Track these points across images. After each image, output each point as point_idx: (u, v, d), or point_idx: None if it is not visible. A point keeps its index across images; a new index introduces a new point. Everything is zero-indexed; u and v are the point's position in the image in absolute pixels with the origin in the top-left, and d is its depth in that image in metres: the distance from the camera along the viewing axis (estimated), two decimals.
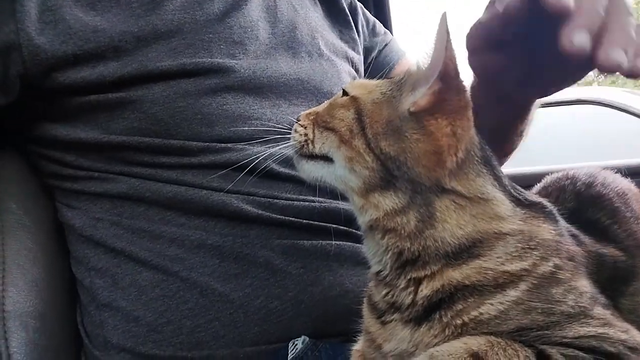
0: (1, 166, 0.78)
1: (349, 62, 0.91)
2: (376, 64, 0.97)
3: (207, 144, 0.70)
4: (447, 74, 0.45)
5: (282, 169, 0.71)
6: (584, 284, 0.47)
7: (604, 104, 2.66)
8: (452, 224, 0.46)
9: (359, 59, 0.95)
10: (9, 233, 0.72)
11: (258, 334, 0.66)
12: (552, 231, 0.48)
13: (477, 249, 0.46)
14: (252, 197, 0.70)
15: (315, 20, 0.91)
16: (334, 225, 0.71)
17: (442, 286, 0.46)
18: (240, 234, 0.68)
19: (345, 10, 0.98)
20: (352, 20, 0.97)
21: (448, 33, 0.45)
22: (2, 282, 0.67)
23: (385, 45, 1.02)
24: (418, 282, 0.47)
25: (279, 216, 0.69)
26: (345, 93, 0.54)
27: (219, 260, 0.67)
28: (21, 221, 0.74)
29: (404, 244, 0.47)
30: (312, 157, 0.53)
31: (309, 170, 0.54)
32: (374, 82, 0.54)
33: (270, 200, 0.70)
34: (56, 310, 0.74)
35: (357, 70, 0.93)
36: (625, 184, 0.64)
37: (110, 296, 0.70)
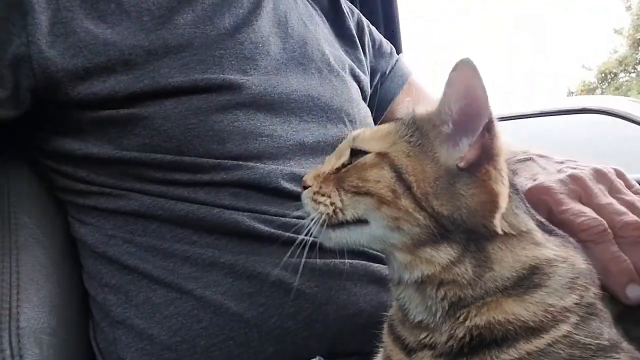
0: (15, 180, 0.78)
1: (356, 81, 0.92)
2: (383, 89, 0.97)
3: (219, 161, 0.70)
4: (491, 123, 0.45)
5: (293, 187, 0.71)
6: (608, 314, 0.47)
7: (609, 112, 2.66)
8: (509, 261, 0.46)
9: (365, 79, 0.95)
10: (23, 248, 0.72)
11: (272, 353, 0.65)
12: (584, 261, 0.48)
13: (535, 278, 0.45)
14: (263, 216, 0.69)
15: (324, 36, 0.91)
16: None
17: (505, 321, 0.44)
18: (253, 252, 0.68)
19: (352, 30, 0.99)
20: (358, 40, 0.97)
21: (481, 79, 0.44)
22: (17, 299, 0.67)
23: (392, 68, 1.02)
24: (464, 317, 0.46)
25: (291, 234, 0.69)
26: (358, 151, 0.51)
27: (232, 279, 0.67)
28: (35, 236, 0.74)
29: (464, 292, 0.46)
30: (342, 224, 0.50)
31: (338, 238, 0.50)
32: (382, 129, 0.52)
33: (282, 218, 0.70)
34: (69, 326, 0.73)
35: (363, 90, 0.94)
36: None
37: (123, 313, 0.69)
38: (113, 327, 0.70)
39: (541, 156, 0.67)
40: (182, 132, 0.70)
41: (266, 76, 0.77)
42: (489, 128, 0.46)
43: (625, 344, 0.45)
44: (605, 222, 0.54)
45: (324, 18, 0.97)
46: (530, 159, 0.67)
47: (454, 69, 0.46)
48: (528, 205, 0.51)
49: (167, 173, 0.71)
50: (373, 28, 1.07)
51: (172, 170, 0.70)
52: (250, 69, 0.76)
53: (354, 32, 0.99)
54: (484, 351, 0.44)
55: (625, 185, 0.60)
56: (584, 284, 0.46)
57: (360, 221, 0.49)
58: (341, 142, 0.57)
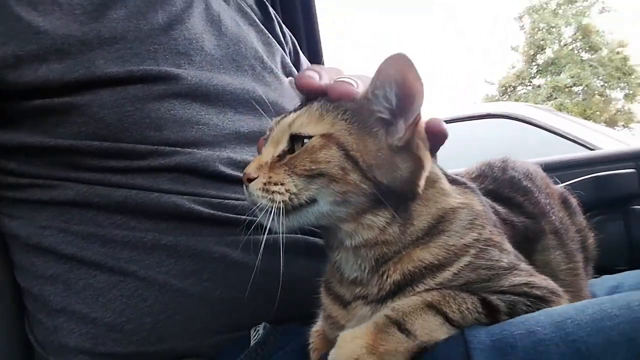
0: None
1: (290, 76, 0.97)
2: None
3: (156, 147, 0.72)
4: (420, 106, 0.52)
5: (230, 171, 0.74)
6: (508, 245, 0.55)
7: (510, 117, 2.94)
8: (424, 214, 0.53)
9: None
10: None
11: (220, 323, 0.68)
12: (480, 203, 0.56)
13: (441, 225, 0.53)
14: (203, 198, 0.72)
15: (257, 36, 0.96)
16: None
17: (413, 268, 0.52)
18: (194, 233, 0.70)
19: (280, 37, 1.05)
20: (281, 49, 1.03)
21: (416, 69, 0.50)
22: None
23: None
24: (386, 270, 0.53)
25: (230, 215, 0.72)
26: (298, 137, 0.53)
27: (174, 259, 0.69)
28: None
29: (388, 248, 0.52)
30: (295, 208, 0.52)
31: (290, 222, 0.53)
32: (313, 113, 0.54)
33: (221, 200, 0.73)
34: (2, 322, 0.71)
35: None
36: (531, 165, 0.76)
37: (63, 301, 0.69)
38: (52, 316, 0.69)
39: None
40: (119, 120, 0.71)
41: (201, 70, 0.80)
42: (419, 107, 0.52)
43: (523, 264, 0.54)
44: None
45: (258, 22, 1.02)
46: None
47: (388, 61, 0.50)
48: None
49: (103, 160, 0.71)
50: (295, 41, 1.14)
51: (109, 157, 0.71)
52: (185, 63, 0.78)
53: (281, 38, 1.06)
54: (401, 292, 0.52)
55: None
56: (481, 223, 0.54)
57: (311, 201, 0.52)
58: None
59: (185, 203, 0.70)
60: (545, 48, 18.16)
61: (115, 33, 0.74)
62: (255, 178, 0.53)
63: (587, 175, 1.16)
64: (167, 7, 0.82)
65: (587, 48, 17.55)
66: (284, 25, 1.11)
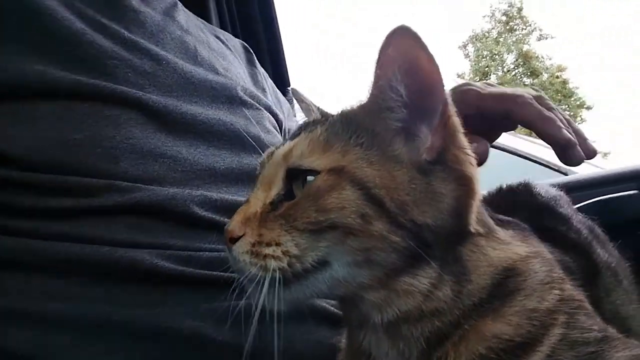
0: None
1: (271, 114, 0.83)
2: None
3: (111, 181, 0.56)
4: (447, 103, 0.38)
5: (205, 213, 0.59)
6: (587, 303, 0.42)
7: None
8: (484, 266, 0.38)
9: (280, 116, 0.87)
10: None
11: None
12: (544, 248, 0.43)
13: (510, 282, 0.38)
14: (169, 251, 0.55)
15: (237, 71, 0.83)
16: None
17: (487, 349, 0.36)
18: (157, 301, 0.54)
19: (262, 77, 0.92)
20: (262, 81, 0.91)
21: (426, 48, 0.36)
22: None
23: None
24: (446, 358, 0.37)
25: (204, 271, 0.56)
26: (299, 173, 0.39)
27: (131, 342, 0.51)
28: None
29: (442, 320, 0.37)
30: (299, 276, 0.38)
31: (294, 295, 0.39)
32: (316, 139, 0.40)
33: (192, 253, 0.57)
34: None
35: (279, 125, 0.85)
36: (552, 189, 0.64)
37: None
38: None
39: None
40: (64, 145, 0.55)
41: (168, 96, 0.65)
42: (445, 105, 0.38)
43: (609, 329, 0.40)
44: None
45: (238, 57, 0.89)
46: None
47: (389, 41, 0.36)
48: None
49: (41, 199, 0.54)
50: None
51: (48, 195, 0.54)
52: (150, 85, 0.64)
53: (264, 80, 0.93)
54: None
55: None
56: (560, 276, 0.40)
57: (321, 265, 0.37)
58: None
59: (145, 258, 0.53)
60: (489, 74, 18.92)
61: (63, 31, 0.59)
62: (241, 237, 0.38)
63: (587, 198, 1.06)
64: (135, 27, 0.68)
65: (529, 73, 18.44)
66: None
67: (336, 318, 0.58)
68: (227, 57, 0.85)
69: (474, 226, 0.38)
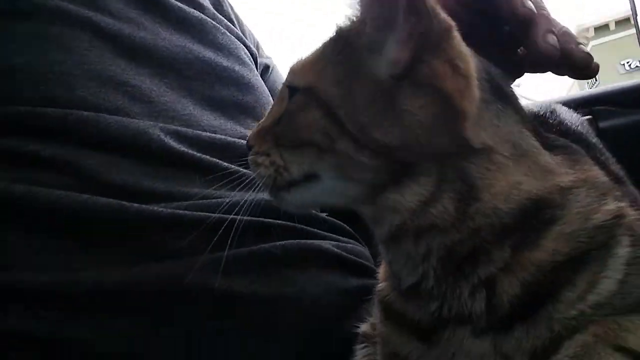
0: None
1: (247, 49, 0.74)
2: (268, 83, 0.80)
3: (67, 110, 0.48)
4: (410, 1, 0.33)
5: (185, 149, 0.52)
6: None
7: None
8: (502, 186, 0.35)
9: (254, 52, 0.78)
10: None
11: None
12: (601, 174, 0.40)
13: (546, 213, 0.35)
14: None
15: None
16: (276, 221, 0.52)
17: (533, 277, 0.34)
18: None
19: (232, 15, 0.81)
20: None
21: None
22: None
23: (273, 67, 0.86)
24: (491, 281, 0.35)
25: (200, 213, 0.49)
26: (292, 89, 0.40)
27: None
28: None
29: (451, 237, 0.35)
30: (293, 184, 0.39)
31: (296, 199, 0.40)
32: (317, 51, 0.41)
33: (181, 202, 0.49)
34: None
35: (255, 63, 0.76)
36: (574, 114, 0.61)
37: None
38: None
39: None
40: (5, 69, 0.47)
41: (125, 19, 0.57)
42: (415, 8, 0.33)
43: None
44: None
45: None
46: None
47: None
48: (525, 112, 0.41)
49: None
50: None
51: None
52: (101, 5, 0.55)
53: (234, 19, 0.82)
54: (534, 312, 0.34)
55: None
56: (618, 198, 0.37)
57: (311, 176, 0.38)
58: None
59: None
60: None
61: None
62: (252, 147, 0.42)
63: None
64: None
65: None
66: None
67: (343, 260, 0.54)
68: None
69: (477, 142, 0.34)
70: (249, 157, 0.42)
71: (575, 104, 1.20)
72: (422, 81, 0.34)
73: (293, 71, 0.41)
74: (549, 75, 0.51)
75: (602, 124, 1.13)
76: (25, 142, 0.46)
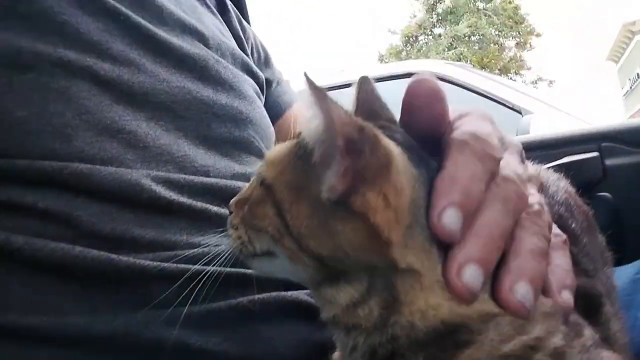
0: None
1: (252, 78, 0.72)
2: (271, 100, 0.79)
3: (66, 163, 0.49)
4: (349, 141, 0.34)
5: (175, 197, 0.52)
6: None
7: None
8: (420, 306, 0.36)
9: (261, 77, 0.76)
10: None
11: None
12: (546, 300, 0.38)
13: (461, 336, 0.35)
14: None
15: (213, 24, 0.71)
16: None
17: None
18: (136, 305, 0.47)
19: (239, 29, 0.79)
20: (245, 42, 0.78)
21: (324, 95, 0.35)
22: None
23: (279, 82, 0.83)
24: None
25: (183, 265, 0.48)
26: (261, 179, 0.42)
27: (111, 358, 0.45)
28: None
29: (373, 339, 0.37)
30: (256, 255, 0.43)
31: (259, 266, 0.45)
32: (284, 149, 0.42)
33: (169, 252, 0.50)
34: None
35: (260, 90, 0.75)
36: (566, 185, 0.58)
37: None
38: None
39: None
40: (6, 124, 0.48)
41: (125, 63, 0.56)
42: (348, 147, 0.35)
43: None
44: None
45: (213, 10, 0.76)
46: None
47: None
48: None
49: None
50: (259, 39, 0.88)
51: None
52: (103, 49, 0.55)
53: (240, 32, 0.80)
54: None
55: None
56: (546, 328, 0.36)
57: (271, 253, 0.41)
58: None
59: (111, 258, 0.46)
60: None
61: None
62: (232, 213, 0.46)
63: (547, 158, 1.04)
64: None
65: None
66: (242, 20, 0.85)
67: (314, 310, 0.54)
68: (196, 9, 0.73)
69: (403, 263, 0.36)
70: (228, 220, 0.45)
71: (582, 139, 1.19)
72: (355, 209, 0.36)
73: (266, 161, 0.42)
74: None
75: (608, 162, 1.11)
76: (23, 193, 0.47)
